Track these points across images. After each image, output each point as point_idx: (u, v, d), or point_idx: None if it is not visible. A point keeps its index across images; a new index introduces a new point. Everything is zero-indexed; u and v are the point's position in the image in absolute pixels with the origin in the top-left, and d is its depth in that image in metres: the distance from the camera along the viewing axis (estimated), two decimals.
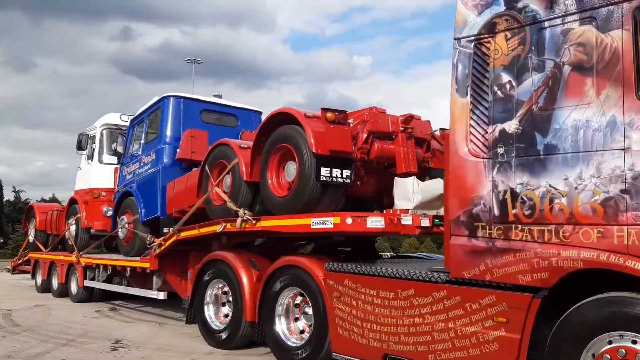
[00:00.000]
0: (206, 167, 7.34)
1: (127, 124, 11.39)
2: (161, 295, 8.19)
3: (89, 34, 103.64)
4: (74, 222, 11.42)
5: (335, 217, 5.19)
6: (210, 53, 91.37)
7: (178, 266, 8.27)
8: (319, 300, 5.22)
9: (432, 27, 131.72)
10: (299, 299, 5.76)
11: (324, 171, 5.61)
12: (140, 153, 9.62)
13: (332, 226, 5.23)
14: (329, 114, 5.70)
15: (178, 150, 8.83)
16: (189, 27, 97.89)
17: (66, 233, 11.73)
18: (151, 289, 8.63)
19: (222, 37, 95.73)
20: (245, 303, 6.10)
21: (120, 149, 11.46)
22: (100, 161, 11.27)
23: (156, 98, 9.81)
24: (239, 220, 6.31)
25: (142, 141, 9.67)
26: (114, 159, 11.40)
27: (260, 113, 10.29)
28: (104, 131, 11.41)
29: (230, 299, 6.55)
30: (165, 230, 8.58)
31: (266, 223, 6.04)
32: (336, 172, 5.68)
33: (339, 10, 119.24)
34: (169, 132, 9.07)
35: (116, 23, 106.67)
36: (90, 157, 11.43)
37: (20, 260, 14.76)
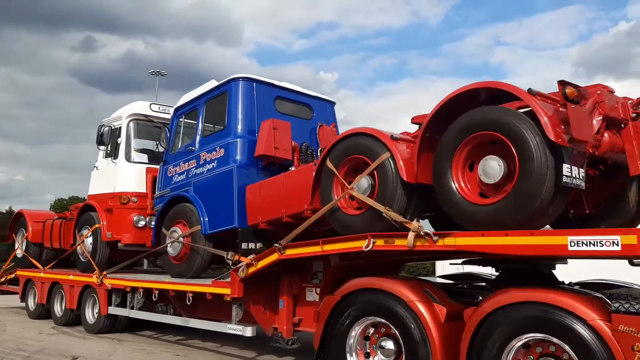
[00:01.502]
0: (328, 164, 5.55)
1: (160, 114, 9.47)
2: (248, 332, 6.25)
3: (51, 44, 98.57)
4: (90, 234, 9.28)
5: (627, 235, 3.53)
6: (174, 65, 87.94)
7: (263, 292, 6.41)
8: (601, 357, 3.53)
9: (397, 46, 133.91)
10: (518, 352, 4.04)
11: (566, 169, 3.98)
12: (196, 148, 7.68)
13: (618, 248, 3.56)
14: (568, 90, 4.08)
15: (257, 145, 6.99)
16: (153, 39, 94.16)
17: (78, 247, 9.55)
18: (223, 321, 6.71)
19: (187, 49, 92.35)
20: (435, 355, 4.32)
21: (151, 145, 9.48)
22: (128, 159, 9.16)
23: (213, 82, 7.94)
24: (411, 236, 4.54)
25: (199, 134, 7.73)
26: (144, 157, 9.36)
27: (334, 104, 8.56)
28: (132, 123, 9.33)
29: (389, 345, 4.75)
30: (244, 245, 6.74)
31: (467, 241, 4.27)
32: (575, 170, 4.07)
33: (306, 26, 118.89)
34: (240, 123, 7.21)
35: (78, 33, 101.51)
36: (113, 154, 9.31)
37: (3, 279, 12.29)
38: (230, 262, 6.41)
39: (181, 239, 7.40)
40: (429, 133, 4.83)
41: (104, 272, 8.63)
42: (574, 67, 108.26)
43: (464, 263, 5.56)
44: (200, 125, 7.77)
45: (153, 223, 8.83)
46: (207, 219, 7.18)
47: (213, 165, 7.28)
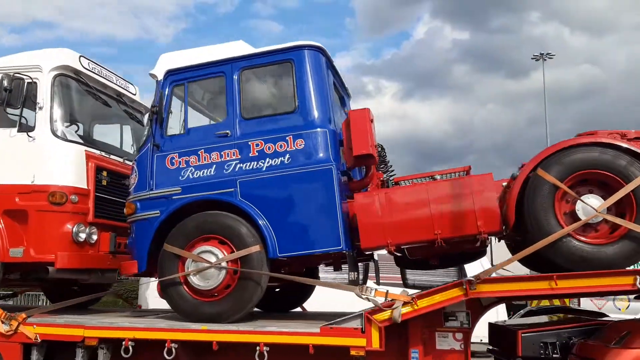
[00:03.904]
0: (545, 177, 4.42)
1: (92, 75, 6.49)
2: None
3: None
4: None
5: None
6: None
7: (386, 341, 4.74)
8: None
9: (121, 58, 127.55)
10: None
11: None
12: (235, 133, 5.33)
13: None
14: None
15: (356, 141, 5.20)
16: None
17: None
18: None
19: None
20: None
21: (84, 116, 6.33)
22: (56, 134, 5.85)
23: (243, 44, 5.76)
24: None
25: (237, 114, 5.40)
26: (73, 134, 6.16)
27: (350, 97, 7.09)
28: (59, 80, 6.02)
29: None
30: (352, 276, 4.93)
31: None
32: None
33: (20, 21, 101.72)
34: (320, 107, 5.31)
35: None
36: (25, 124, 5.82)
37: None
38: (369, 300, 4.52)
39: (225, 263, 4.98)
40: None
41: (22, 315, 5.25)
42: None
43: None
44: (237, 100, 5.45)
45: (91, 236, 5.96)
46: (276, 236, 5.01)
47: (281, 161, 5.14)
